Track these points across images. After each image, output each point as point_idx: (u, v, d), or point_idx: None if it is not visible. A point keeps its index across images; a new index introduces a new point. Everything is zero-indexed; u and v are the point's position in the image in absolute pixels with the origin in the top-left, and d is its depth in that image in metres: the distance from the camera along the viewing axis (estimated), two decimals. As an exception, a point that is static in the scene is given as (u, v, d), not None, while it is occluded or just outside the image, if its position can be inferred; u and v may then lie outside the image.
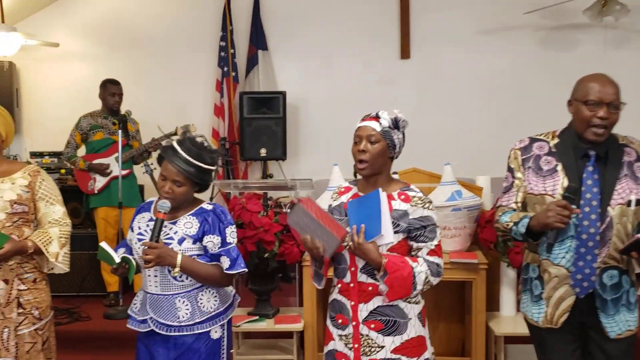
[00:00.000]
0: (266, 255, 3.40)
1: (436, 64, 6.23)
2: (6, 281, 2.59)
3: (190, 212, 2.41)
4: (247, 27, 6.29)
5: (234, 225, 2.46)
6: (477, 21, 6.15)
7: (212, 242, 2.38)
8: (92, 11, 6.53)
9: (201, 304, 2.40)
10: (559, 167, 2.32)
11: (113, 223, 4.96)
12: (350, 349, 2.26)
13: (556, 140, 2.38)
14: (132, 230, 2.48)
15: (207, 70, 6.40)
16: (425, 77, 6.24)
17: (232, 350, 2.58)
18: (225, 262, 2.38)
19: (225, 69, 6.23)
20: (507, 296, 3.70)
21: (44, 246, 2.59)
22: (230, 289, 2.56)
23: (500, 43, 6.14)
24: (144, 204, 2.54)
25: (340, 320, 2.31)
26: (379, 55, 6.28)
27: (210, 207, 2.44)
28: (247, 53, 6.30)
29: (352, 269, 2.27)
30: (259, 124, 5.82)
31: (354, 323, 2.26)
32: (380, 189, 2.24)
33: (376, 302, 2.24)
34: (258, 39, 6.24)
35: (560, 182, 2.30)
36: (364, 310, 2.25)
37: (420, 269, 2.20)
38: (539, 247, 2.38)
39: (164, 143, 2.47)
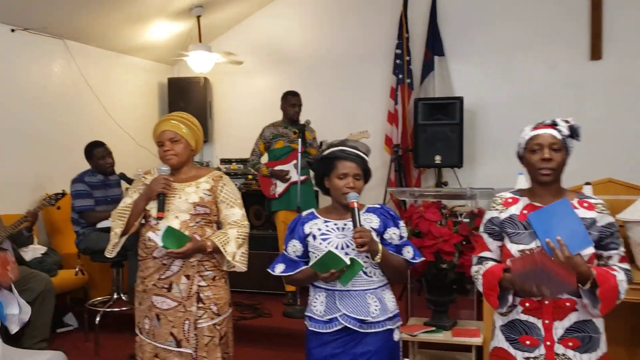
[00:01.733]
0: (444, 265, 3.32)
1: (631, 65, 5.70)
2: (188, 276, 2.79)
3: (363, 211, 2.46)
4: (423, 34, 6.27)
5: (403, 221, 2.51)
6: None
7: (395, 234, 2.44)
8: (273, 29, 6.97)
9: (386, 302, 2.43)
10: None
11: (292, 226, 5.18)
12: (542, 370, 2.14)
13: None
14: (303, 237, 2.48)
15: (382, 78, 6.48)
16: (617, 80, 5.74)
17: (406, 359, 2.56)
18: (409, 252, 2.44)
19: (400, 76, 6.24)
20: None
21: (222, 246, 2.76)
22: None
23: None
24: (303, 218, 2.54)
25: (528, 342, 2.17)
26: (564, 56, 5.91)
27: (378, 205, 2.52)
28: (422, 59, 6.26)
29: None
30: (434, 130, 5.74)
31: (547, 343, 2.13)
32: (567, 199, 2.13)
33: (572, 318, 2.11)
34: (434, 45, 6.18)
35: None
36: (559, 328, 2.12)
37: (621, 277, 2.09)
38: None
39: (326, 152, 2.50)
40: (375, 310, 2.38)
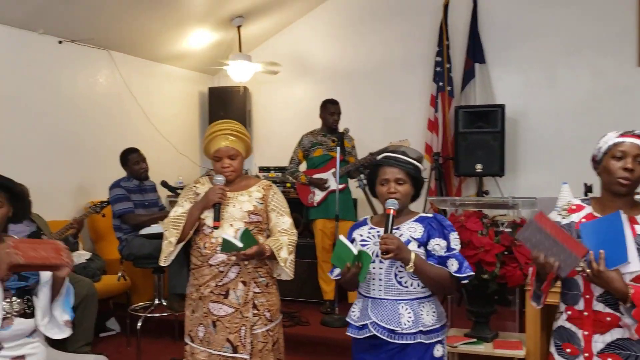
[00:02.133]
0: (486, 276, 3.26)
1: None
2: (244, 283, 2.83)
3: (412, 219, 2.45)
4: (464, 41, 6.21)
5: (457, 233, 2.44)
6: None
7: (438, 245, 2.38)
8: (311, 38, 7.03)
9: (423, 315, 2.37)
10: None
11: (329, 234, 5.19)
12: (580, 380, 2.08)
13: None
14: (351, 242, 2.49)
15: (422, 86, 6.44)
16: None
17: (448, 371, 2.50)
18: (453, 265, 2.36)
19: (441, 83, 6.19)
20: None
21: (277, 251, 2.81)
22: (443, 311, 2.51)
23: None
24: (356, 223, 2.62)
25: (568, 350, 2.14)
26: (611, 63, 5.76)
27: (430, 214, 2.48)
28: (463, 67, 6.20)
29: (587, 296, 2.08)
30: (475, 138, 5.67)
31: (586, 354, 2.08)
32: (621, 211, 2.02)
33: (615, 334, 2.04)
34: (475, 52, 6.12)
35: None
36: (599, 341, 2.06)
37: None
38: None
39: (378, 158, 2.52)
40: (408, 321, 2.34)
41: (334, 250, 2.39)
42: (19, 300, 2.41)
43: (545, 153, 5.93)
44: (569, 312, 2.14)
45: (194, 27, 6.15)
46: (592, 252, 2.00)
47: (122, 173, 5.02)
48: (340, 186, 5.01)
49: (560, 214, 2.26)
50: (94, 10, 5.09)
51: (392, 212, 2.34)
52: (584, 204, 2.22)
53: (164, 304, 4.83)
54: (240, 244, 2.64)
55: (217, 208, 2.83)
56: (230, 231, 2.79)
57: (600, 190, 2.20)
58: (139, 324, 4.56)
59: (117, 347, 4.73)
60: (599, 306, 2.06)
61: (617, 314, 2.02)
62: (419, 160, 2.51)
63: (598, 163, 2.17)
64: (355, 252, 2.28)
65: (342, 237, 2.36)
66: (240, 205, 2.87)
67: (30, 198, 2.63)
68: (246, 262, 2.80)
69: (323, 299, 5.27)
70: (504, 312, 4.26)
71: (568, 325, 2.15)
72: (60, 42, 5.29)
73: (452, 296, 4.03)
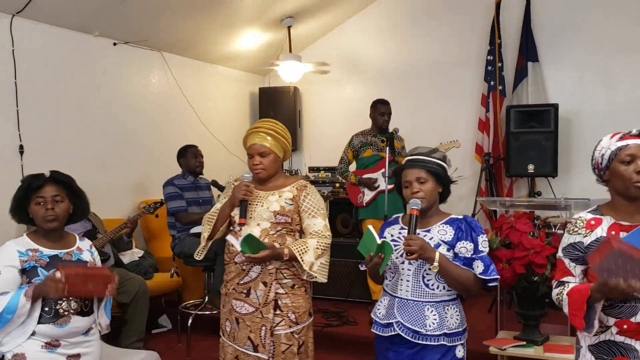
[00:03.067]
0: (536, 278, 3.19)
1: None
2: (265, 283, 2.82)
3: (443, 221, 2.46)
4: (516, 40, 6.10)
5: (485, 235, 2.44)
6: None
7: (465, 247, 2.39)
8: (361, 39, 7.03)
9: (447, 318, 2.39)
10: None
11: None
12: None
13: None
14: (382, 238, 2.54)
15: (473, 85, 6.36)
16: None
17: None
18: (479, 266, 2.36)
19: (492, 82, 6.09)
20: None
21: (300, 255, 2.76)
22: (464, 314, 2.51)
23: None
24: (388, 221, 2.64)
25: (623, 364, 2.06)
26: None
27: (460, 216, 2.48)
28: (515, 66, 6.09)
29: None
30: (527, 138, 5.56)
31: None
32: None
33: None
34: (528, 51, 6.00)
35: None
36: None
37: None
38: None
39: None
40: (433, 323, 2.37)
41: (362, 238, 2.43)
42: (76, 299, 2.49)
43: (600, 153, 5.75)
44: (625, 326, 2.04)
45: (244, 28, 6.24)
46: None
47: (175, 171, 5.12)
48: (390, 186, 4.99)
49: (579, 233, 2.14)
50: (146, 13, 5.23)
51: (415, 212, 2.36)
52: (599, 215, 2.14)
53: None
54: (239, 248, 2.67)
55: (244, 205, 2.82)
56: (256, 231, 2.79)
57: (611, 196, 2.15)
58: (190, 321, 4.65)
59: (168, 344, 4.83)
60: None
61: None
62: (443, 159, 2.50)
63: (604, 170, 2.12)
64: (379, 241, 2.33)
65: (370, 227, 2.40)
66: (268, 205, 2.84)
67: (87, 197, 2.71)
68: (267, 263, 2.78)
69: (372, 299, 5.26)
70: (555, 316, 4.14)
71: (620, 339, 2.05)
72: (114, 44, 5.45)
73: (502, 298, 3.96)
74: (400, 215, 2.61)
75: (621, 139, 2.09)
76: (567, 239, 2.18)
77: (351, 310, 5.21)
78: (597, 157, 2.15)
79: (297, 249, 2.77)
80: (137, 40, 5.56)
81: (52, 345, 2.45)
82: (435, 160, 2.46)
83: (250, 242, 2.66)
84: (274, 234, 2.82)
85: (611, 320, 2.07)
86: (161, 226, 5.35)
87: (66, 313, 2.46)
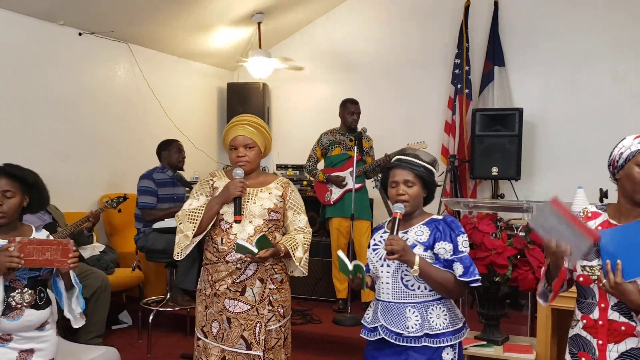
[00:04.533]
0: (497, 279, 3.24)
1: None
2: (261, 280, 2.82)
3: (422, 222, 2.46)
4: (484, 44, 6.18)
5: (466, 235, 2.43)
6: None
7: (443, 248, 2.37)
8: (330, 37, 7.02)
9: (431, 318, 2.37)
10: None
11: (345, 233, 5.19)
12: (593, 390, 2.05)
13: None
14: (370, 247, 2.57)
15: (440, 87, 6.42)
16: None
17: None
18: (458, 268, 2.35)
19: (459, 86, 6.16)
20: None
21: (292, 250, 2.81)
22: (460, 315, 2.49)
23: None
24: (379, 225, 2.64)
25: (583, 359, 2.11)
26: (631, 67, 5.69)
27: (440, 217, 2.48)
28: (482, 69, 6.17)
29: (602, 305, 2.05)
30: (492, 141, 5.65)
31: None
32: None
33: (630, 343, 2.00)
34: (495, 55, 6.08)
35: None
36: (613, 351, 2.03)
37: None
38: None
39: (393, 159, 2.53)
40: (415, 325, 2.35)
41: (338, 261, 2.46)
42: (30, 291, 2.42)
43: (562, 158, 5.87)
44: (585, 321, 2.11)
45: (214, 22, 6.17)
46: (609, 261, 1.95)
47: (140, 166, 5.02)
48: (357, 185, 5.02)
49: None
50: (113, 4, 5.13)
51: (398, 215, 2.36)
52: (600, 211, 2.17)
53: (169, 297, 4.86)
54: (255, 250, 2.65)
55: (238, 202, 2.78)
56: (249, 228, 2.77)
57: (618, 196, 2.13)
58: (151, 317, 4.60)
59: (128, 340, 4.77)
60: (614, 315, 2.03)
61: (632, 323, 1.99)
62: (433, 163, 2.49)
63: (618, 169, 2.09)
64: (350, 267, 2.37)
65: (340, 253, 2.44)
66: (261, 202, 2.83)
67: (46, 188, 2.64)
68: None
69: (336, 298, 5.28)
70: (516, 316, 4.22)
71: (584, 333, 2.11)
72: (80, 34, 5.33)
73: (463, 298, 4.00)
74: (388, 220, 2.60)
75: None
76: None
77: (315, 308, 5.21)
78: (615, 154, 2.10)
79: (289, 244, 2.81)
80: (103, 31, 5.45)
81: (2, 339, 2.38)
82: (424, 164, 2.45)
83: (263, 242, 2.66)
84: (266, 231, 2.82)
85: (579, 315, 2.14)
86: (124, 221, 5.27)
87: (19, 306, 2.38)
